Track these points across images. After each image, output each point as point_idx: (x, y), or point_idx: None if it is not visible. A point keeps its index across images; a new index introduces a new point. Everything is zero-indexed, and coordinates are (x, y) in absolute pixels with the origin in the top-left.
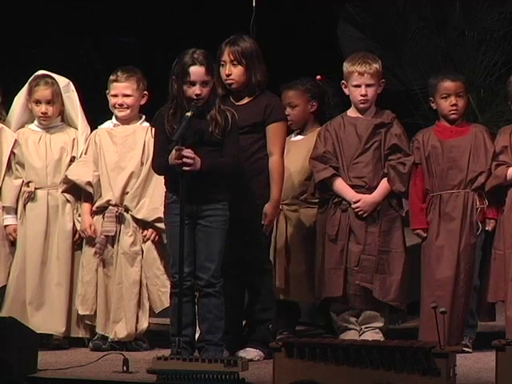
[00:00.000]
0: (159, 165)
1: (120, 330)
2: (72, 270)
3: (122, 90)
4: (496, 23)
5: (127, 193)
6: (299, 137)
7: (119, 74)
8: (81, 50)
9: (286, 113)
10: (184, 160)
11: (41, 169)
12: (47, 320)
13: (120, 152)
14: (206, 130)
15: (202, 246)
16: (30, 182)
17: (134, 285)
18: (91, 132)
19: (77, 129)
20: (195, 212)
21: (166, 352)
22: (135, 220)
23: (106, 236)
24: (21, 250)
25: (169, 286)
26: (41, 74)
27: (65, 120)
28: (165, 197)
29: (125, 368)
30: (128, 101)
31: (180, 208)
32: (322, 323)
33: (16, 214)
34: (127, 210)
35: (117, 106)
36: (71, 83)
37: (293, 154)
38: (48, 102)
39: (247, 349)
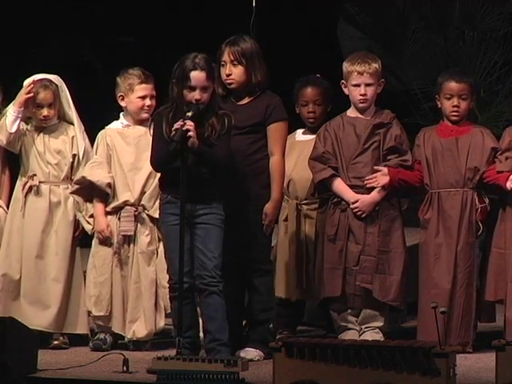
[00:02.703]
0: (158, 159)
1: (139, 330)
2: (72, 267)
3: (151, 91)
4: (496, 23)
5: (145, 192)
6: (309, 136)
7: (143, 75)
8: (81, 50)
9: (311, 109)
10: (187, 126)
11: (43, 166)
12: (39, 315)
13: (135, 152)
14: (202, 135)
15: (200, 244)
16: (34, 174)
17: (151, 284)
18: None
19: (71, 123)
20: (190, 212)
21: (167, 352)
22: (151, 219)
23: (124, 236)
24: (14, 240)
25: None
26: (38, 79)
27: (61, 117)
28: (160, 198)
29: (125, 368)
30: (153, 102)
31: (180, 207)
32: (323, 323)
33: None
34: (144, 209)
35: (145, 107)
36: (59, 78)
37: (307, 154)
38: (49, 105)
39: (247, 349)
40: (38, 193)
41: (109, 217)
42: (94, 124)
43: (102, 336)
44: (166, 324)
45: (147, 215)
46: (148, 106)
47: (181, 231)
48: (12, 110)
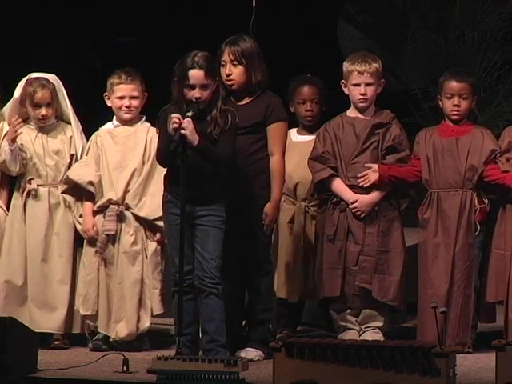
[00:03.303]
0: (161, 157)
1: (121, 330)
2: (75, 268)
3: (130, 91)
4: (496, 23)
5: (129, 191)
6: (307, 137)
7: (123, 75)
8: (81, 50)
9: (309, 108)
10: (183, 125)
11: (42, 169)
12: (48, 318)
13: (122, 151)
14: (204, 130)
15: (198, 246)
16: (31, 179)
17: (135, 284)
18: (82, 127)
19: (68, 123)
20: (190, 212)
21: (167, 352)
22: (136, 218)
23: (107, 235)
24: (17, 245)
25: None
26: (33, 77)
27: (58, 116)
28: (162, 195)
29: (125, 368)
30: (135, 103)
31: (181, 207)
32: (323, 323)
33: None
34: (128, 208)
35: (124, 108)
36: (56, 77)
37: (307, 154)
38: (48, 105)
39: (247, 349)
40: (36, 196)
41: (96, 216)
42: (94, 124)
43: (101, 336)
44: (155, 323)
45: (132, 214)
46: (127, 107)
47: (181, 231)
48: (8, 149)
